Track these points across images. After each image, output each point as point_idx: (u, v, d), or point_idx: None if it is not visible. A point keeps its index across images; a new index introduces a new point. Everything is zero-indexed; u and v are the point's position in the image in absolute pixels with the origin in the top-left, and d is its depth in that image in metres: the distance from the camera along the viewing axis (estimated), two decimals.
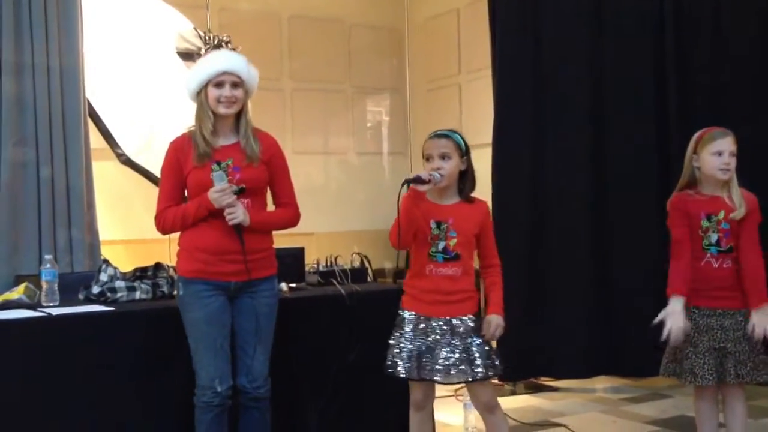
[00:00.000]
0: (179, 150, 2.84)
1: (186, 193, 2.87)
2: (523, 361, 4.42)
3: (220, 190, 2.74)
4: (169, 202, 2.84)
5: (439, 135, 2.85)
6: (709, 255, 2.93)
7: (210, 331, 2.78)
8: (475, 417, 3.87)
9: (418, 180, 2.71)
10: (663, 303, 4.20)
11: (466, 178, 2.86)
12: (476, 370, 2.76)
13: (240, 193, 2.78)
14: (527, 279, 4.40)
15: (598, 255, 4.50)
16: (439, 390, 3.54)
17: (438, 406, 3.54)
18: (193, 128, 2.86)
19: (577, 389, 4.68)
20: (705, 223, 2.93)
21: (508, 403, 4.28)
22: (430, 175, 2.73)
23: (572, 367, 4.52)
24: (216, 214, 2.76)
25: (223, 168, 2.78)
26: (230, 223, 2.75)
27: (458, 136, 2.85)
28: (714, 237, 2.93)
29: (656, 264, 4.39)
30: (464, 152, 2.84)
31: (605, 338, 4.48)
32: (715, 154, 2.90)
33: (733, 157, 2.91)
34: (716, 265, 2.93)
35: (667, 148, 4.41)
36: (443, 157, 2.80)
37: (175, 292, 2.93)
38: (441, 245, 2.81)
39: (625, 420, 4.05)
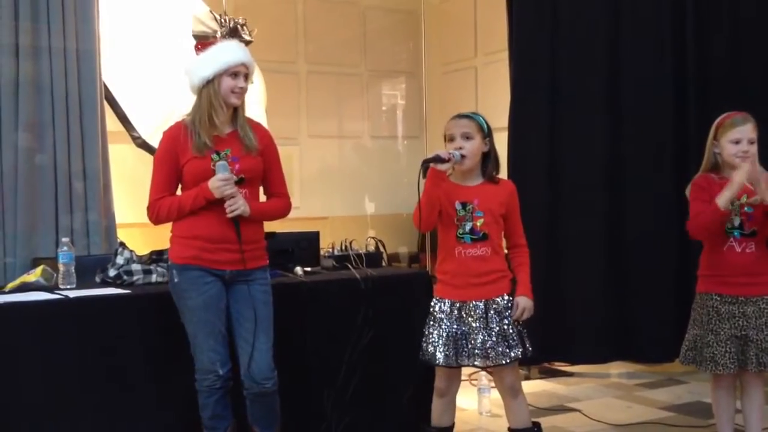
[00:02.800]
0: (175, 139, 2.80)
1: (180, 183, 2.84)
2: (537, 345, 4.40)
3: (223, 179, 2.72)
4: (163, 192, 2.80)
5: (461, 116, 2.86)
6: (731, 239, 2.91)
7: (208, 317, 2.77)
8: (489, 401, 3.88)
9: (437, 159, 2.70)
10: (680, 288, 4.22)
11: (489, 160, 2.86)
12: (514, 350, 2.78)
13: (239, 183, 2.77)
14: (543, 263, 4.37)
15: (614, 239, 4.48)
16: None
17: None
18: (188, 117, 2.83)
19: (591, 374, 4.67)
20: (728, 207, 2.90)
21: (523, 387, 4.27)
22: (450, 153, 2.73)
23: (587, 352, 4.51)
24: (214, 202, 2.74)
25: (223, 158, 2.77)
26: (231, 215, 2.73)
27: (481, 118, 2.86)
28: (737, 220, 2.90)
29: (674, 250, 4.39)
30: (486, 134, 2.84)
31: (621, 323, 4.46)
32: (733, 142, 2.89)
33: (752, 144, 2.89)
34: (739, 250, 2.90)
35: (685, 130, 4.38)
36: (465, 137, 2.80)
37: (168, 279, 2.89)
38: (468, 226, 2.81)
39: (640, 405, 4.04)
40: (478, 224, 2.81)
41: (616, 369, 4.74)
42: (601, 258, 4.46)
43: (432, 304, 2.88)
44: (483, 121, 2.85)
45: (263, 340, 2.80)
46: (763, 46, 4.34)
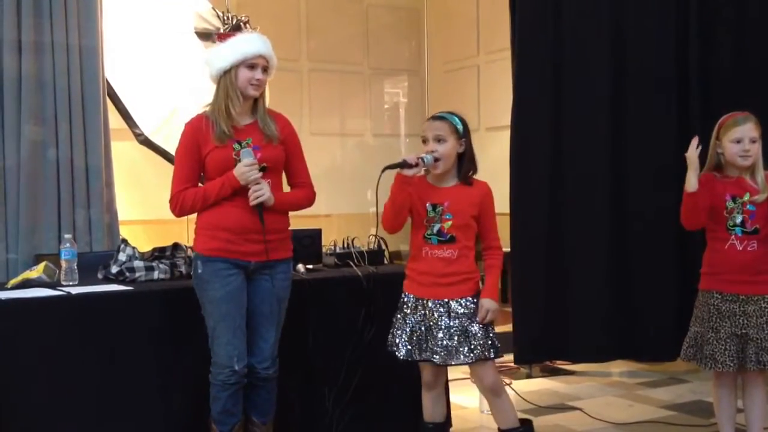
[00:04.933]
0: (197, 131, 2.81)
1: (203, 174, 2.86)
2: (539, 344, 4.41)
3: (248, 165, 2.74)
4: (186, 183, 2.81)
5: (435, 117, 2.84)
6: (733, 236, 2.91)
7: (230, 310, 2.79)
8: None
9: (403, 165, 2.70)
10: (681, 287, 4.22)
11: (464, 161, 2.84)
12: (474, 351, 2.76)
13: (261, 171, 2.78)
14: (545, 262, 4.39)
15: (617, 239, 4.47)
16: (454, 372, 3.55)
17: (453, 389, 3.55)
18: (209, 108, 2.85)
19: (593, 373, 4.67)
20: (730, 204, 2.91)
21: (524, 386, 4.28)
22: (419, 158, 2.72)
23: (588, 350, 4.51)
24: (239, 193, 2.77)
25: (245, 146, 2.78)
26: (255, 201, 2.75)
27: (456, 118, 2.83)
28: (739, 218, 2.90)
29: (676, 249, 4.38)
30: (462, 134, 2.81)
31: (622, 322, 4.46)
32: (734, 142, 2.89)
33: (753, 143, 2.89)
34: (740, 248, 2.90)
35: (688, 131, 4.36)
36: (438, 140, 2.78)
37: (192, 270, 2.92)
38: (436, 228, 2.81)
39: (641, 404, 4.04)
40: (446, 226, 2.80)
41: (617, 368, 4.74)
42: (603, 256, 4.45)
43: (401, 298, 2.90)
44: (458, 122, 2.82)
45: (272, 332, 2.86)
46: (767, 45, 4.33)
